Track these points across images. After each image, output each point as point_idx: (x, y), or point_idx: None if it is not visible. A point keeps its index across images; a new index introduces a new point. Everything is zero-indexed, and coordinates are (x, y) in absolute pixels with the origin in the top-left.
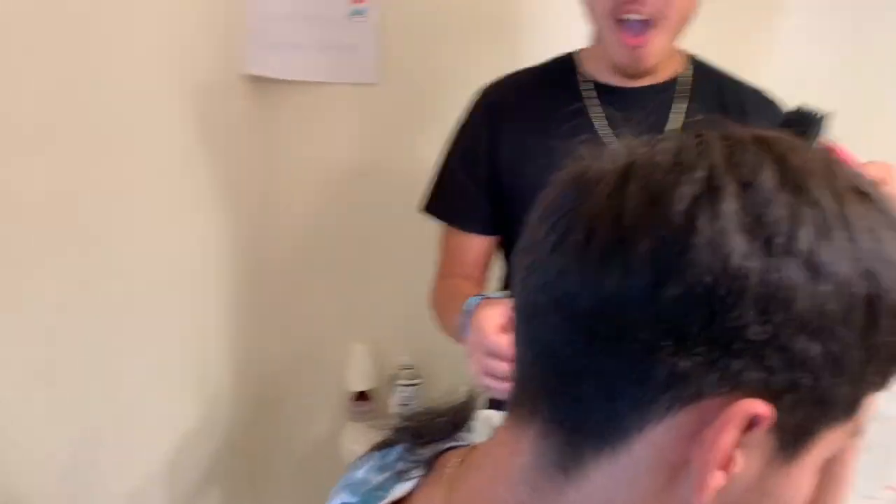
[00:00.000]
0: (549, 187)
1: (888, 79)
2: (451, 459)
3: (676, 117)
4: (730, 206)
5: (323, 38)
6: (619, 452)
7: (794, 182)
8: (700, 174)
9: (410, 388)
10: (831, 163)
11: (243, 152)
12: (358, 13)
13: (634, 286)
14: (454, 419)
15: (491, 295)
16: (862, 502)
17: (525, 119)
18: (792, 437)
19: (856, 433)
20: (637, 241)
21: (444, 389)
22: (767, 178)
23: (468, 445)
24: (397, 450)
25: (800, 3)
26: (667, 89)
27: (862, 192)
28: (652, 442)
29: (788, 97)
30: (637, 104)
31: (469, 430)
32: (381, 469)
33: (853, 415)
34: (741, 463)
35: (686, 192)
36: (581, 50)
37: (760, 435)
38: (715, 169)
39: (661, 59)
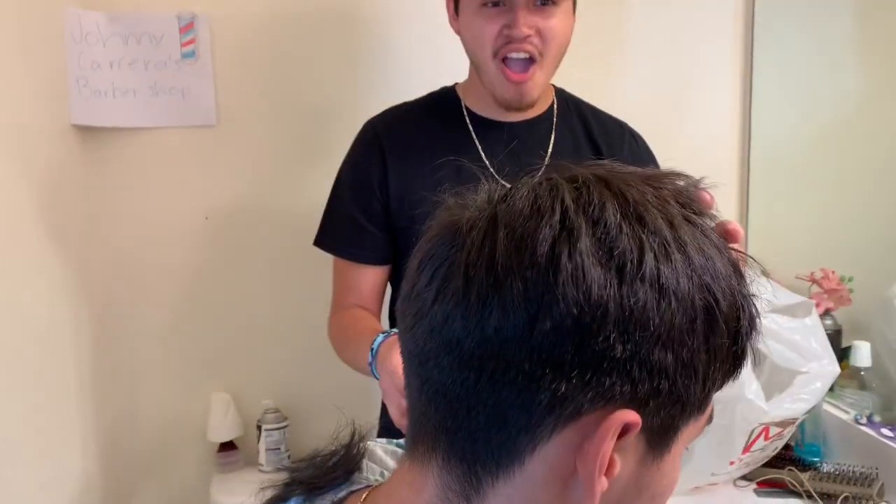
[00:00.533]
0: (425, 236)
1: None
2: None
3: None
4: (584, 243)
5: (153, 83)
6: (514, 474)
7: (634, 214)
8: (556, 217)
9: (277, 431)
10: (661, 193)
11: (78, 205)
12: (189, 55)
13: (512, 325)
14: (346, 462)
15: (396, 332)
16: (709, 479)
17: (413, 150)
18: (658, 437)
19: (709, 421)
20: (510, 284)
21: (311, 428)
22: (611, 214)
23: (366, 487)
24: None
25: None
26: (542, 121)
27: (689, 218)
28: (543, 459)
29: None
30: (518, 137)
31: (361, 470)
32: None
33: (705, 407)
34: (619, 466)
35: (546, 235)
36: (460, 84)
37: (632, 439)
38: (567, 211)
39: (541, 92)
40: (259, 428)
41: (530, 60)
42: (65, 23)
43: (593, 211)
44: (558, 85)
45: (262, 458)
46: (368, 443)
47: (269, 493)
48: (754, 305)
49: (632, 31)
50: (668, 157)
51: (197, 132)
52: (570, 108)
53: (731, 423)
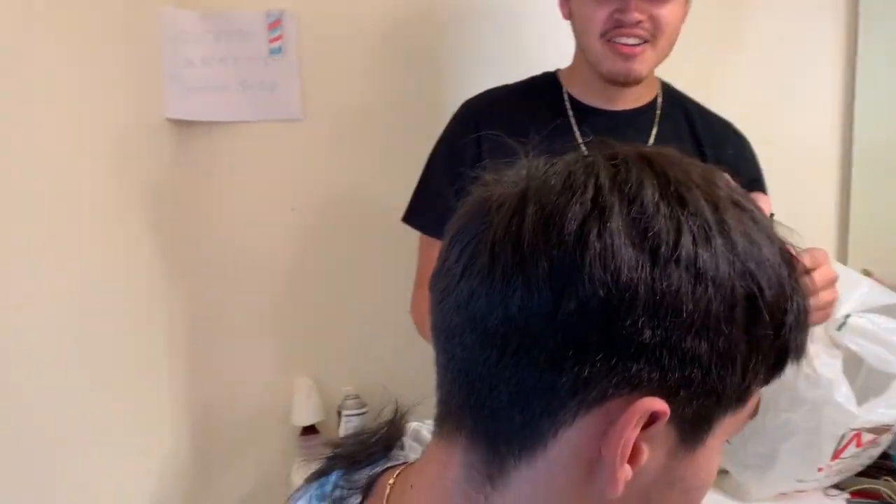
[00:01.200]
0: (457, 212)
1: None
2: (387, 480)
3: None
4: (616, 222)
5: (243, 79)
6: (536, 456)
7: (675, 195)
8: (588, 195)
9: (357, 417)
10: (712, 177)
11: (173, 196)
12: (276, 52)
13: (536, 304)
14: (385, 439)
15: None
16: (796, 485)
17: (509, 132)
18: (691, 428)
19: (752, 416)
20: (535, 262)
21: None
22: (650, 193)
23: (403, 463)
24: (333, 477)
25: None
26: (643, 112)
27: (738, 202)
28: (566, 443)
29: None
30: (618, 127)
31: (402, 448)
32: (319, 499)
33: (746, 401)
34: (647, 455)
35: (577, 212)
36: (562, 70)
37: (662, 428)
38: (601, 189)
39: (649, 73)
40: (339, 413)
41: (642, 42)
42: (160, 21)
43: (630, 189)
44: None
45: None
46: (414, 423)
47: (313, 467)
48: (805, 300)
49: (736, 22)
50: (769, 149)
51: (284, 126)
52: (675, 102)
53: (819, 427)
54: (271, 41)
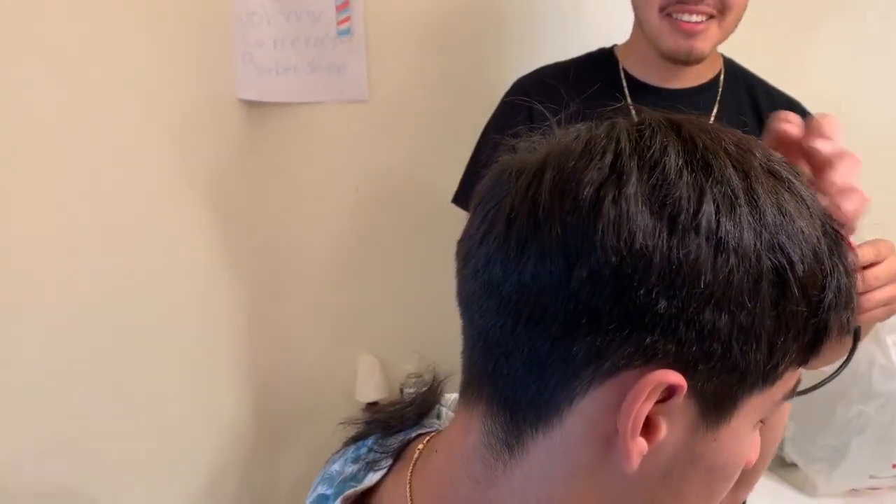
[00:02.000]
0: (483, 180)
1: None
2: (417, 445)
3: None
4: (633, 188)
5: (312, 60)
6: (553, 426)
7: (701, 161)
8: (607, 159)
9: None
10: (747, 145)
11: (241, 174)
12: (344, 33)
13: (549, 271)
14: (420, 407)
15: None
16: (868, 482)
17: (562, 110)
18: (713, 404)
19: (789, 397)
20: (549, 228)
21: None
22: (672, 159)
23: (435, 431)
24: (369, 442)
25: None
26: (704, 91)
27: (774, 171)
28: (581, 414)
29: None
30: (676, 105)
31: (438, 416)
32: (354, 461)
33: (775, 381)
34: (665, 430)
35: (593, 177)
36: (620, 46)
37: (680, 403)
38: (621, 154)
39: (712, 50)
40: (402, 392)
41: (707, 18)
42: (233, 2)
43: (652, 155)
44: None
45: None
46: (455, 394)
47: (351, 431)
48: (850, 277)
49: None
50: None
51: (351, 107)
52: (739, 80)
53: (894, 421)
54: (339, 23)
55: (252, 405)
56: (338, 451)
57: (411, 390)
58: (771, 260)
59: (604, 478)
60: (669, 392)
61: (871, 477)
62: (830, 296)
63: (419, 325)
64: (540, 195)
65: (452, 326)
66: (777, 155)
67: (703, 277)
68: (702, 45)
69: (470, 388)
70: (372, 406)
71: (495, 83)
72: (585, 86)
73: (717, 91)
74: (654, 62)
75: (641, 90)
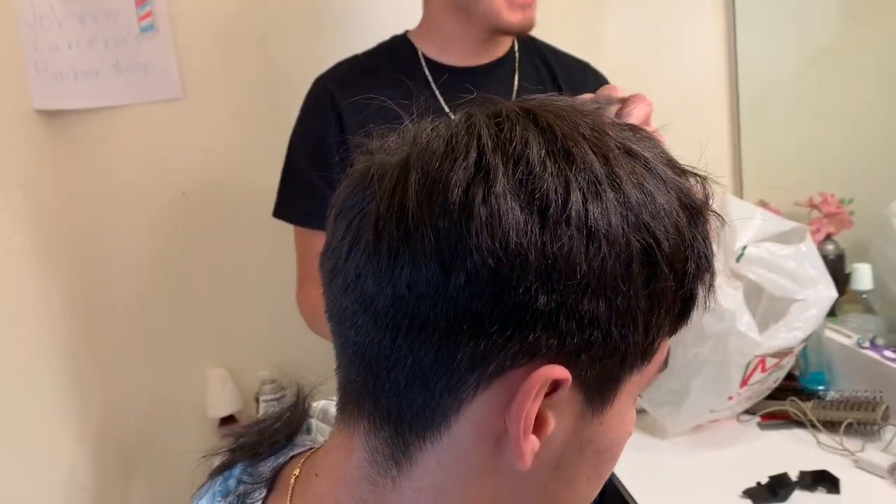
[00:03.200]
0: (341, 186)
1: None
2: (293, 470)
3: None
4: (501, 185)
5: (115, 61)
6: (441, 435)
7: (562, 150)
8: (472, 158)
9: (276, 401)
10: (602, 126)
11: (51, 190)
12: (147, 29)
13: (425, 279)
14: (287, 426)
15: None
16: (709, 416)
17: (368, 102)
18: (596, 390)
19: (662, 369)
20: (421, 235)
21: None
22: (534, 151)
23: (309, 450)
24: (236, 471)
25: None
26: (503, 64)
27: (630, 150)
28: (469, 420)
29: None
30: (479, 82)
31: (308, 431)
32: (223, 495)
33: (651, 357)
34: (553, 423)
35: (460, 178)
36: (413, 31)
37: (566, 394)
38: (484, 150)
39: None
40: (257, 400)
41: None
42: (17, 6)
43: (514, 148)
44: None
45: None
46: (322, 402)
47: (215, 461)
48: (707, 243)
49: None
50: (656, 96)
51: (164, 106)
52: (532, 49)
53: (725, 359)
54: (141, 18)
55: (94, 441)
56: (203, 486)
57: (268, 397)
58: (639, 241)
59: (496, 479)
60: (555, 385)
61: (711, 411)
62: (693, 266)
63: (266, 330)
64: (407, 201)
65: (300, 330)
66: (627, 128)
67: (578, 268)
68: (533, 14)
69: (349, 406)
70: (228, 422)
71: (316, 70)
72: (386, 75)
73: (514, 63)
74: (456, 42)
75: (441, 71)
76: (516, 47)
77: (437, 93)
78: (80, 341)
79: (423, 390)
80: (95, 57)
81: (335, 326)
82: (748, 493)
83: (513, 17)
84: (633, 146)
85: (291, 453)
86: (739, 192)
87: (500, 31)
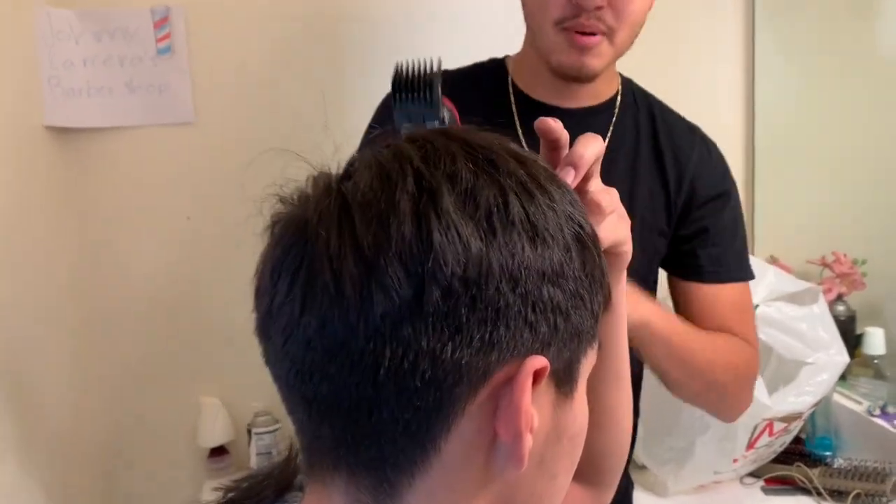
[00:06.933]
0: (269, 243)
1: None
2: None
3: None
4: (447, 201)
5: (129, 80)
6: (431, 464)
7: (485, 161)
8: (410, 183)
9: (268, 434)
10: (492, 136)
11: (56, 209)
12: (165, 51)
13: (398, 306)
14: (278, 482)
15: None
16: (713, 477)
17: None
18: (564, 376)
19: (600, 346)
20: (385, 266)
21: None
22: (463, 164)
23: None
24: None
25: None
26: (599, 112)
27: (521, 154)
28: (459, 437)
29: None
30: (568, 127)
31: (300, 489)
32: None
33: (596, 334)
34: (537, 418)
35: (406, 204)
36: (511, 57)
37: (542, 386)
38: (420, 172)
39: (605, 67)
40: (249, 432)
41: (600, 33)
42: (34, 21)
43: (445, 165)
44: None
45: (253, 461)
46: None
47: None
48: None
49: None
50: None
51: (176, 130)
52: (638, 102)
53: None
54: (159, 40)
55: (85, 464)
56: None
57: (260, 430)
58: (571, 229)
59: (488, 494)
60: (535, 378)
61: (716, 472)
62: (596, 237)
63: (262, 361)
64: (359, 237)
65: None
66: (500, 138)
67: (533, 262)
68: (593, 61)
69: (320, 464)
70: (219, 452)
71: (333, 99)
72: (470, 97)
73: (613, 113)
74: (544, 78)
75: (531, 107)
76: (620, 96)
77: (518, 129)
78: (78, 361)
79: (411, 422)
80: (109, 75)
81: (297, 388)
82: None
83: (566, 59)
84: (519, 150)
85: None
86: (751, 246)
87: (554, 72)
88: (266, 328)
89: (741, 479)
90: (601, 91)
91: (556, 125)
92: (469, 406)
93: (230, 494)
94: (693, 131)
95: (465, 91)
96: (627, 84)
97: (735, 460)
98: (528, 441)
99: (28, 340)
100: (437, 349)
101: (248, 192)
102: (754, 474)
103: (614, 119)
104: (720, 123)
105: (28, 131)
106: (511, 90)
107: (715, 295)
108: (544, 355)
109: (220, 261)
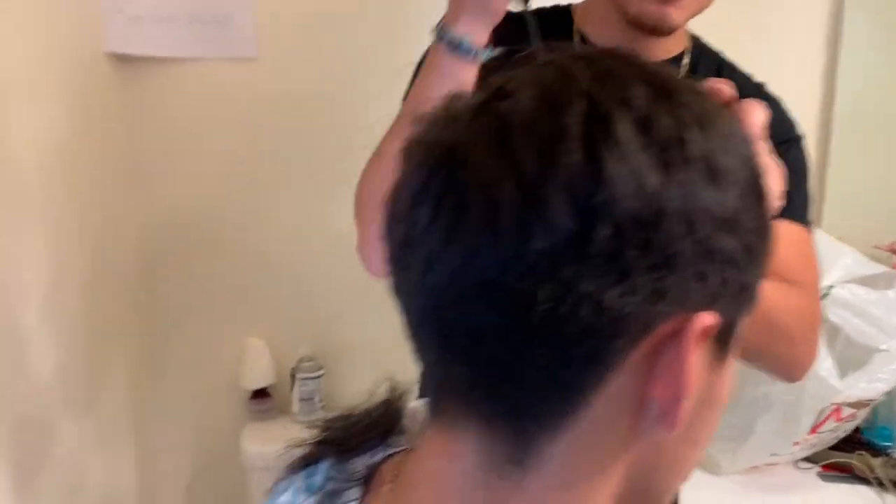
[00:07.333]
0: (403, 168)
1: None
2: (388, 473)
3: None
4: (622, 130)
5: (191, 10)
6: (578, 419)
7: (662, 88)
8: (580, 105)
9: (312, 380)
10: (662, 62)
11: (114, 139)
12: None
13: (561, 242)
14: (383, 423)
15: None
16: (768, 459)
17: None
18: (723, 338)
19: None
20: (548, 195)
21: (347, 379)
22: (641, 91)
23: (401, 451)
24: (323, 467)
25: None
26: (668, 67)
27: (698, 87)
28: (610, 392)
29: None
30: None
31: (402, 433)
32: (308, 491)
33: (757, 295)
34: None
35: (576, 131)
36: (577, 5)
37: (702, 346)
38: (591, 95)
39: (685, 21)
40: (293, 376)
41: None
42: None
43: (618, 90)
44: None
45: (296, 407)
46: (414, 403)
47: (297, 453)
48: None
49: None
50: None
51: (237, 65)
52: (707, 59)
53: (799, 401)
54: None
55: (129, 398)
56: (282, 479)
57: (304, 375)
58: (747, 173)
59: (629, 453)
60: (703, 335)
61: (773, 454)
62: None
63: (310, 307)
64: (519, 162)
65: (347, 306)
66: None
67: (710, 206)
68: (676, 13)
69: (449, 409)
70: (261, 395)
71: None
72: (532, 45)
73: (679, 68)
74: (615, 28)
75: None
76: (688, 52)
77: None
78: (131, 294)
79: (560, 371)
80: (173, 4)
81: (432, 321)
82: None
83: (648, 9)
84: (700, 86)
85: (387, 452)
86: (818, 226)
87: (631, 22)
88: (401, 258)
89: (796, 462)
90: (672, 46)
91: (729, 90)
92: (627, 361)
93: (327, 433)
94: (759, 88)
95: (528, 37)
96: (696, 41)
97: (796, 443)
98: (689, 403)
99: (67, 269)
100: (600, 295)
101: (306, 134)
102: (810, 459)
103: (681, 76)
104: (797, 94)
105: (88, 57)
106: (576, 38)
107: (777, 232)
108: (713, 311)
109: (273, 202)
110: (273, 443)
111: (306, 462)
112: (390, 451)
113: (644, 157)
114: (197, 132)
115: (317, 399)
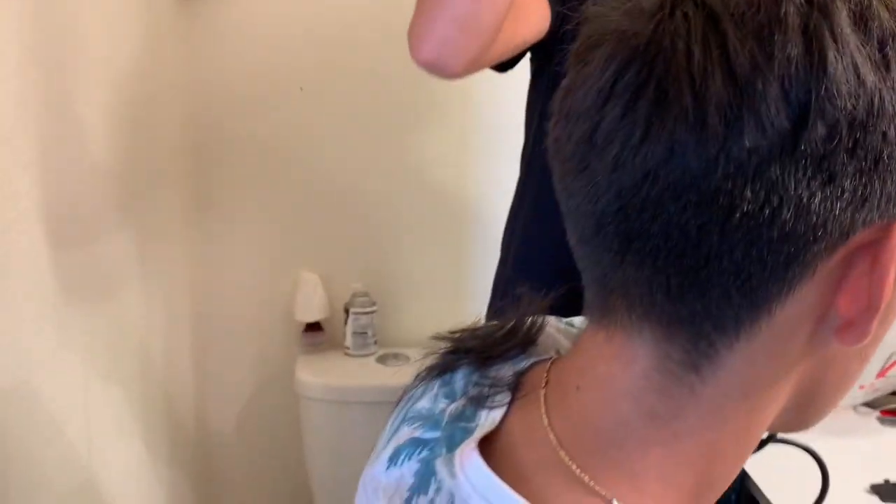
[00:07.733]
0: (590, 60)
1: None
2: (538, 378)
3: None
4: (842, 22)
5: None
6: (761, 327)
7: None
8: None
9: (365, 315)
10: None
11: (170, 66)
12: None
13: (771, 140)
14: (524, 334)
15: None
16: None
17: None
18: None
19: None
20: (762, 89)
21: (400, 314)
22: None
23: (549, 359)
24: (461, 374)
25: None
26: None
27: None
28: (798, 300)
29: None
30: None
31: (537, 345)
32: (448, 398)
33: None
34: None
35: (795, 20)
36: None
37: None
38: None
39: None
40: (347, 311)
41: None
42: None
43: None
44: None
45: (349, 341)
46: (552, 319)
47: (428, 362)
48: None
49: None
50: None
51: None
52: None
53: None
54: None
55: (188, 328)
56: (416, 386)
57: (358, 310)
58: None
59: (804, 364)
60: None
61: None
62: None
63: (364, 243)
64: (731, 53)
65: (401, 242)
66: None
67: None
68: None
69: (619, 311)
70: (314, 328)
71: None
72: None
73: None
74: None
75: None
76: None
77: None
78: (188, 225)
79: (752, 277)
80: None
81: (614, 222)
82: (876, 489)
83: None
84: None
85: (532, 360)
86: None
87: None
88: (581, 157)
89: (855, 407)
90: None
91: None
92: (819, 268)
93: (466, 343)
94: None
95: None
96: None
97: (861, 387)
98: (879, 315)
99: (127, 198)
100: (805, 197)
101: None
102: (869, 404)
103: None
104: None
105: None
106: None
107: None
108: None
109: (329, 136)
110: (326, 374)
111: (442, 370)
112: (536, 359)
113: (863, 51)
114: (256, 60)
115: (370, 334)
